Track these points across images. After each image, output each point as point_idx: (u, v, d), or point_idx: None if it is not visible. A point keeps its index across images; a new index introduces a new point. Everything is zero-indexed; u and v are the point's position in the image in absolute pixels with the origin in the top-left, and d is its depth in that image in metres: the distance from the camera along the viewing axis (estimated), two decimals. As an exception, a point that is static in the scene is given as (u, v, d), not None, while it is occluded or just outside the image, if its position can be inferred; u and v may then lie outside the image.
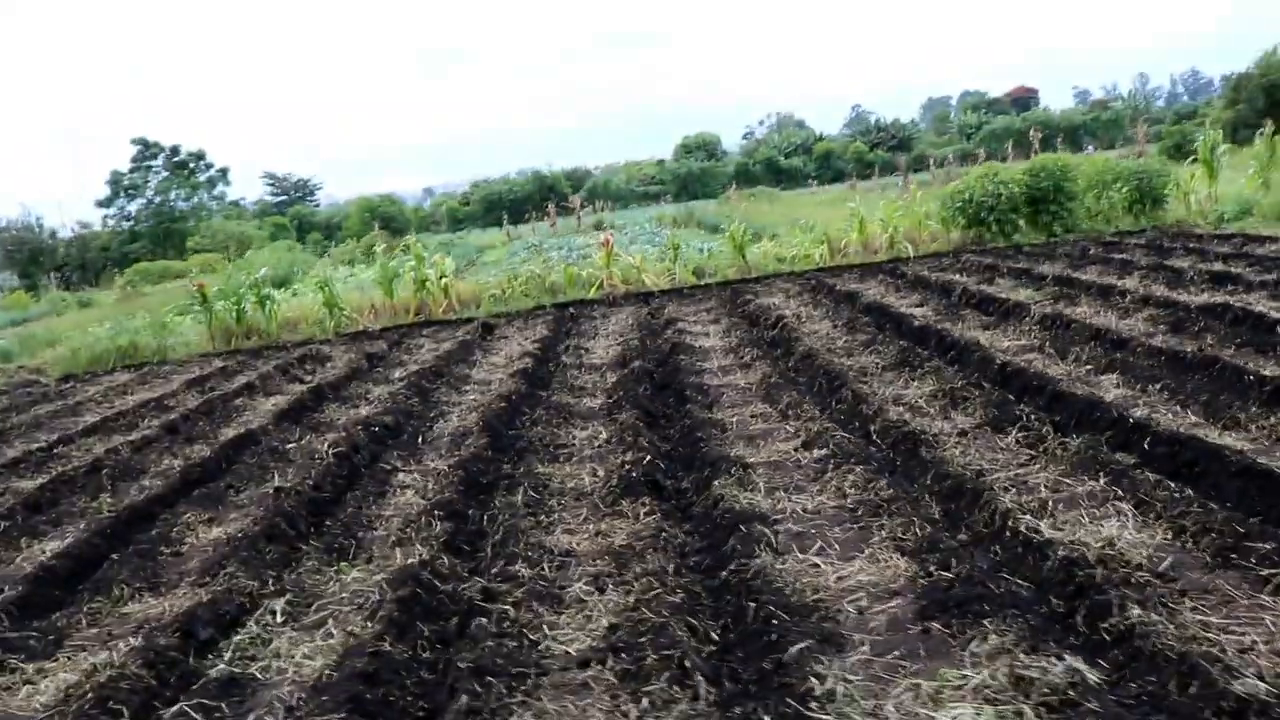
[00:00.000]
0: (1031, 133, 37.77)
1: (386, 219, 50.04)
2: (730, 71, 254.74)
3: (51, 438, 10.68)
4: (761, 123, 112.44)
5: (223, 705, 3.96)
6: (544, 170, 66.23)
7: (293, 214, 60.27)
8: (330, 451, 7.94)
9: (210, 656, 4.45)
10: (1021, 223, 17.26)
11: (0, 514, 7.44)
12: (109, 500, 7.56)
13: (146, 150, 55.66)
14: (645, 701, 3.47)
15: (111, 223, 54.35)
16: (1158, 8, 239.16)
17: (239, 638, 4.59)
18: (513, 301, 16.42)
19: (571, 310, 15.36)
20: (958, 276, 13.83)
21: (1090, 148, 37.64)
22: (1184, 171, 18.59)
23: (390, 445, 8.10)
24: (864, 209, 17.93)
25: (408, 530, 5.73)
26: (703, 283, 16.40)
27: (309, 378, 12.68)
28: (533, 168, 71.61)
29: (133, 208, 54.81)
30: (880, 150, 66.54)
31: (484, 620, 4.34)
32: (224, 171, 57.63)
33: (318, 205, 77.82)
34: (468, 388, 10.36)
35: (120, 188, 54.34)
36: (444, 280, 16.31)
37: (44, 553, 6.46)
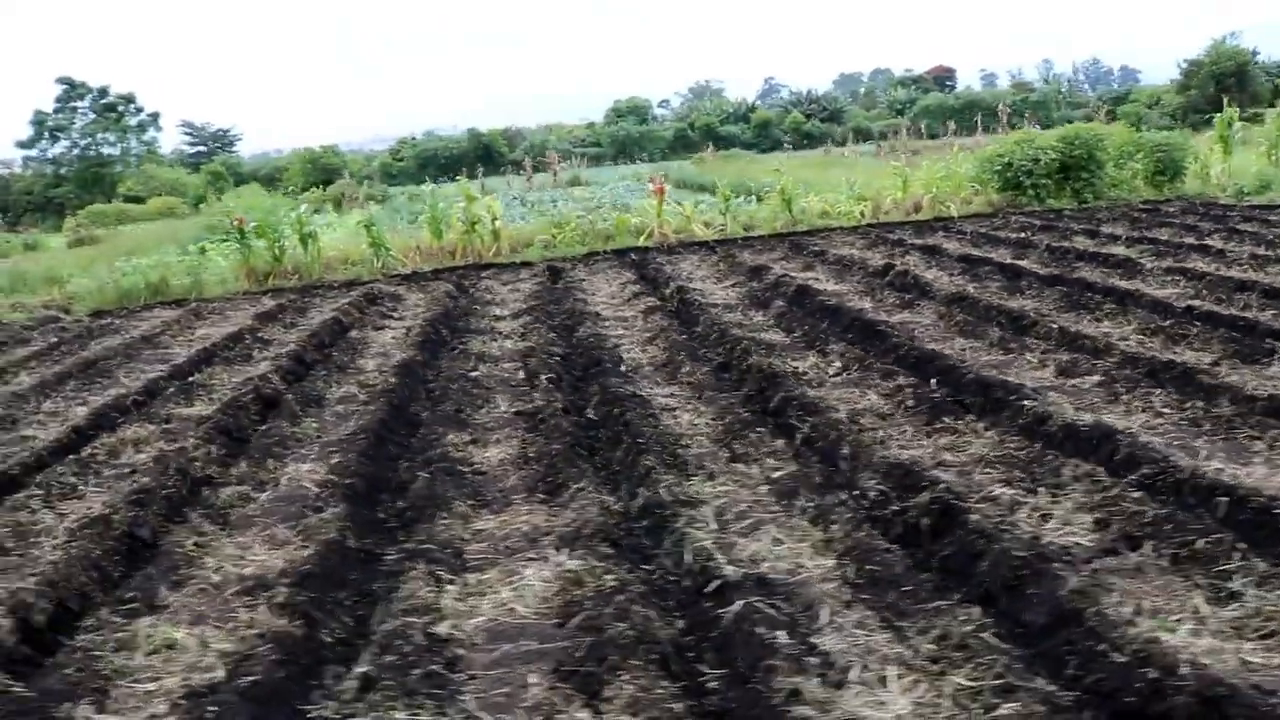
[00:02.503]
0: (1000, 108, 38.60)
1: (330, 170, 48.75)
2: (646, 42, 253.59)
3: (160, 369, 10.20)
4: (678, 93, 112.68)
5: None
6: (481, 129, 65.18)
7: (220, 163, 58.17)
8: (545, 377, 7.79)
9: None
10: (1052, 188, 17.66)
11: (230, 436, 7.12)
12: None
13: (73, 90, 53.00)
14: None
15: (34, 165, 51.72)
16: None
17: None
18: (563, 247, 16.21)
19: (633, 256, 15.22)
20: (1026, 235, 14.13)
21: (1035, 125, 38.46)
22: (1202, 146, 19.21)
23: (597, 372, 7.94)
24: (836, 173, 18.16)
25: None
26: (756, 234, 16.40)
27: (396, 314, 12.40)
28: (442, 129, 70.89)
29: (56, 150, 52.28)
30: (816, 121, 67.13)
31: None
32: (155, 116, 55.35)
33: (237, 156, 75.33)
34: (608, 324, 10.20)
35: (44, 128, 51.73)
36: (496, 223, 16.00)
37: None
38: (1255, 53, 39.35)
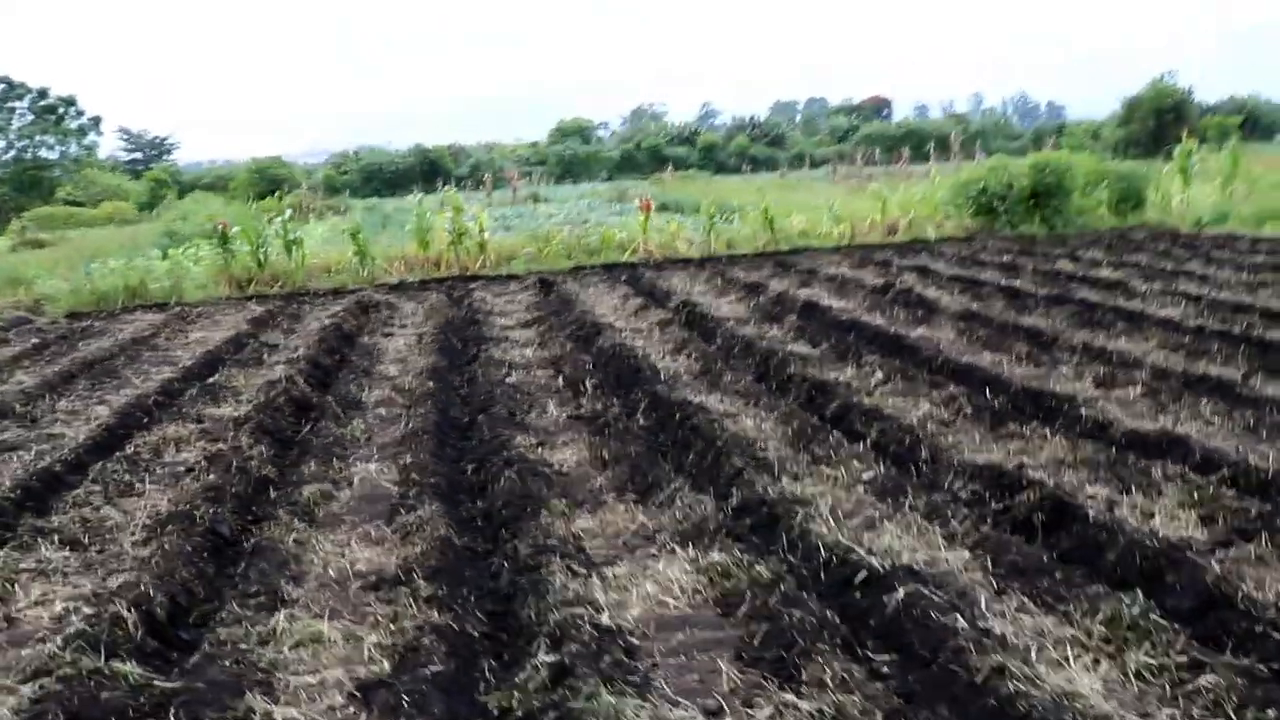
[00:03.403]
0: (952, 137, 39.48)
1: (276, 180, 47.99)
2: (584, 64, 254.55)
3: (168, 371, 10.04)
4: (620, 116, 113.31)
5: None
6: (427, 145, 64.72)
7: (162, 170, 56.98)
8: (590, 384, 7.83)
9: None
10: (1023, 214, 18.11)
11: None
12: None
13: (11, 90, 51.59)
14: None
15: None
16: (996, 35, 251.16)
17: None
18: (549, 261, 16.24)
19: (623, 271, 15.29)
20: (1008, 258, 14.48)
21: (982, 154, 39.45)
22: (1162, 177, 19.85)
23: (639, 380, 7.98)
24: (800, 196, 18.47)
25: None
26: (739, 253, 16.58)
27: (397, 322, 12.34)
28: (370, 145, 70.28)
29: (-10, 150, 50.80)
30: (760, 145, 67.84)
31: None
32: (96, 120, 53.97)
33: (175, 164, 73.85)
34: (625, 335, 10.25)
35: None
36: (484, 235, 15.97)
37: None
38: (1190, 91, 40.79)
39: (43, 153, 51.77)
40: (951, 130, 64.21)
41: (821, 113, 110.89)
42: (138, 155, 74.36)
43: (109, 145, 69.72)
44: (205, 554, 5.04)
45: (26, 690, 3.69)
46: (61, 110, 52.39)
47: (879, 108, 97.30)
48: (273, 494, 6.00)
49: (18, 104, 51.58)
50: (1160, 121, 36.71)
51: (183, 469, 6.64)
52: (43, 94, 52.14)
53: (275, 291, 15.51)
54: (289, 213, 16.71)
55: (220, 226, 16.00)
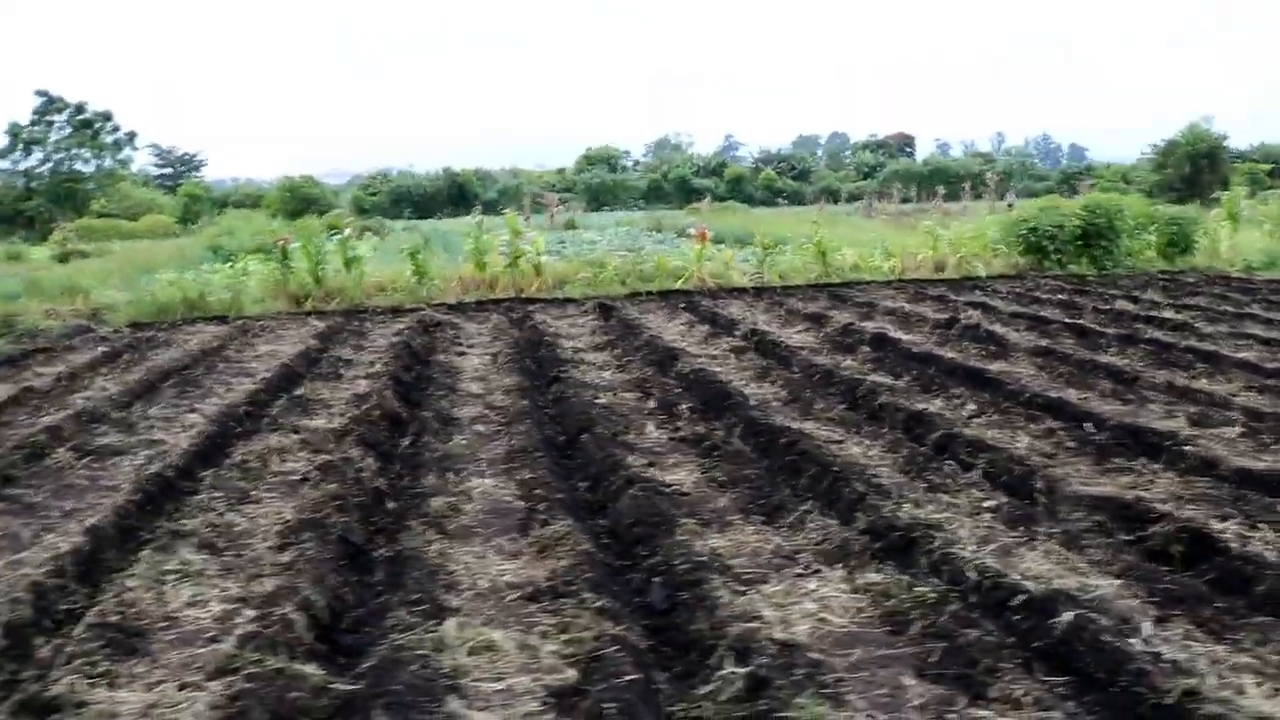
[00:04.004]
0: (988, 176, 39.70)
1: (309, 200, 48.51)
2: (606, 94, 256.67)
3: (247, 382, 10.18)
4: (645, 144, 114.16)
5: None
6: (455, 169, 65.34)
7: (197, 186, 57.64)
8: (685, 408, 7.93)
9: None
10: (1073, 254, 18.22)
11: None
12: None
13: (50, 104, 52.29)
14: None
15: (4, 177, 50.79)
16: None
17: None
18: (603, 286, 16.39)
19: (680, 298, 15.42)
20: (1065, 297, 14.58)
21: (1012, 195, 39.68)
22: (1211, 222, 19.94)
23: (730, 405, 8.08)
24: (841, 230, 18.62)
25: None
26: (792, 284, 16.70)
27: (465, 341, 12.47)
28: (395, 167, 71.26)
29: (29, 163, 51.44)
30: (787, 179, 68.31)
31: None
32: (131, 135, 54.72)
33: (203, 181, 74.67)
34: (701, 361, 10.35)
35: (19, 140, 50.87)
36: (541, 258, 16.14)
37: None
38: (1224, 137, 40.88)
39: (78, 166, 52.35)
40: (976, 169, 64.72)
41: (844, 147, 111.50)
42: (168, 170, 75.26)
43: (140, 160, 70.35)
44: (342, 562, 5.15)
45: (216, 686, 3.80)
46: (98, 125, 53.04)
47: (903, 144, 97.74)
48: (390, 505, 6.11)
49: (56, 118, 52.25)
50: (1195, 167, 36.80)
51: (295, 478, 6.74)
52: (80, 109, 52.85)
53: (333, 308, 15.68)
54: (348, 230, 16.87)
55: (281, 242, 16.19)
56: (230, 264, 21.72)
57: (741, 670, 3.50)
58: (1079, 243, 18.11)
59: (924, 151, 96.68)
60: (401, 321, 14.29)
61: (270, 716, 3.53)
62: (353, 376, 10.25)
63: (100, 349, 13.08)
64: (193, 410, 9.01)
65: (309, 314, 15.40)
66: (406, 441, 7.52)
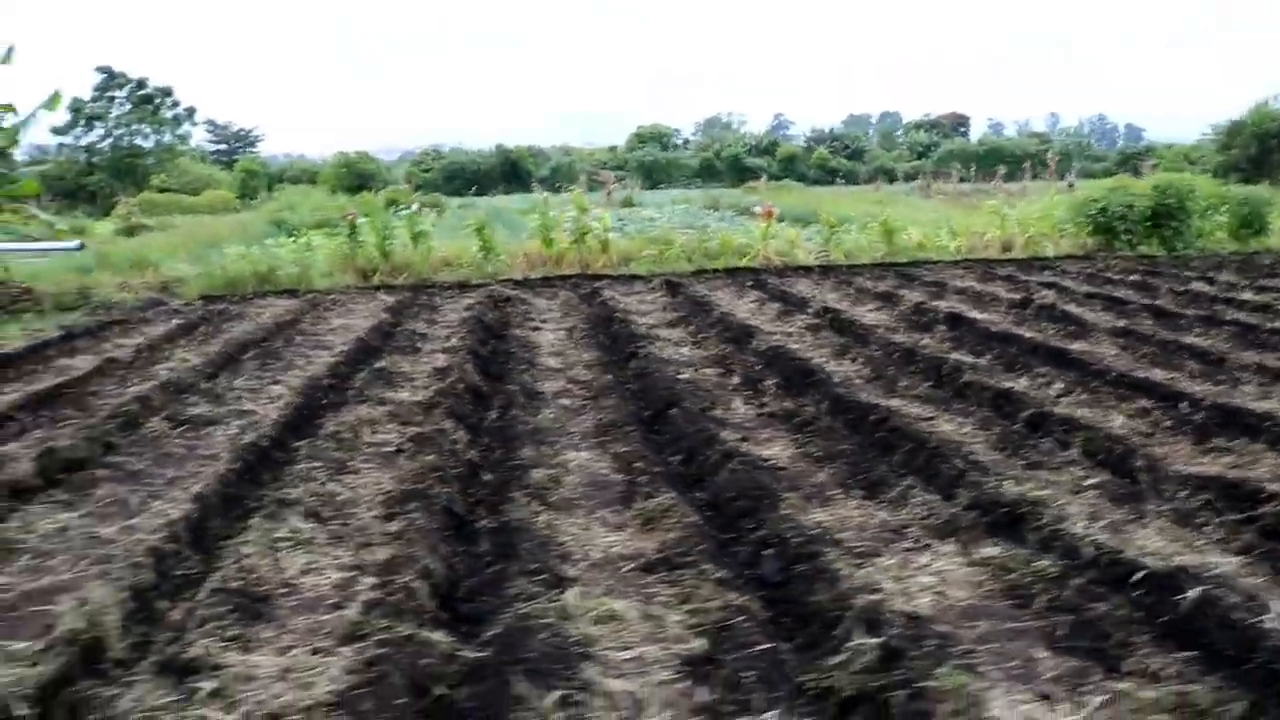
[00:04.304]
0: (1048, 156, 39.15)
1: (363, 176, 48.91)
2: (661, 73, 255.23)
3: (325, 355, 10.33)
4: (695, 122, 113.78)
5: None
6: (509, 145, 65.52)
7: (249, 163, 58.26)
8: (771, 384, 7.93)
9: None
10: (1143, 235, 17.95)
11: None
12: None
13: (111, 79, 53.08)
14: None
15: (67, 151, 51.65)
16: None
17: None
18: (668, 263, 16.39)
19: (747, 276, 15.38)
20: (1138, 278, 14.38)
21: (1071, 176, 39.06)
22: (1283, 202, 19.56)
23: (812, 382, 8.08)
24: (900, 210, 18.45)
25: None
26: (858, 263, 16.61)
27: (537, 316, 12.53)
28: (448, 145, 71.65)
29: (90, 138, 52.23)
30: (840, 158, 67.81)
31: None
32: (190, 111, 55.37)
33: (259, 157, 75.46)
34: (777, 338, 10.34)
35: (81, 116, 51.67)
36: (608, 234, 16.18)
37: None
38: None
39: (139, 141, 53.07)
40: (1033, 149, 63.79)
41: (896, 127, 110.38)
42: (222, 146, 76.05)
43: (196, 136, 71.28)
44: (448, 532, 5.21)
45: (347, 652, 3.87)
46: (158, 100, 53.72)
47: (956, 124, 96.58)
48: (486, 477, 6.16)
49: (118, 93, 52.97)
50: (1264, 147, 36.03)
51: (389, 450, 6.83)
52: (141, 84, 53.50)
53: (400, 282, 15.82)
54: (415, 206, 16.99)
55: (349, 217, 16.34)
56: (293, 239, 22.04)
57: (873, 641, 3.52)
58: (1148, 224, 17.84)
59: (977, 132, 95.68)
60: (470, 296, 14.40)
61: (406, 681, 3.59)
62: (430, 350, 10.34)
63: (175, 321, 13.32)
64: (276, 382, 9.15)
65: (377, 288, 15.55)
66: (494, 415, 7.57)
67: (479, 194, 53.45)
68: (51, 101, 15.21)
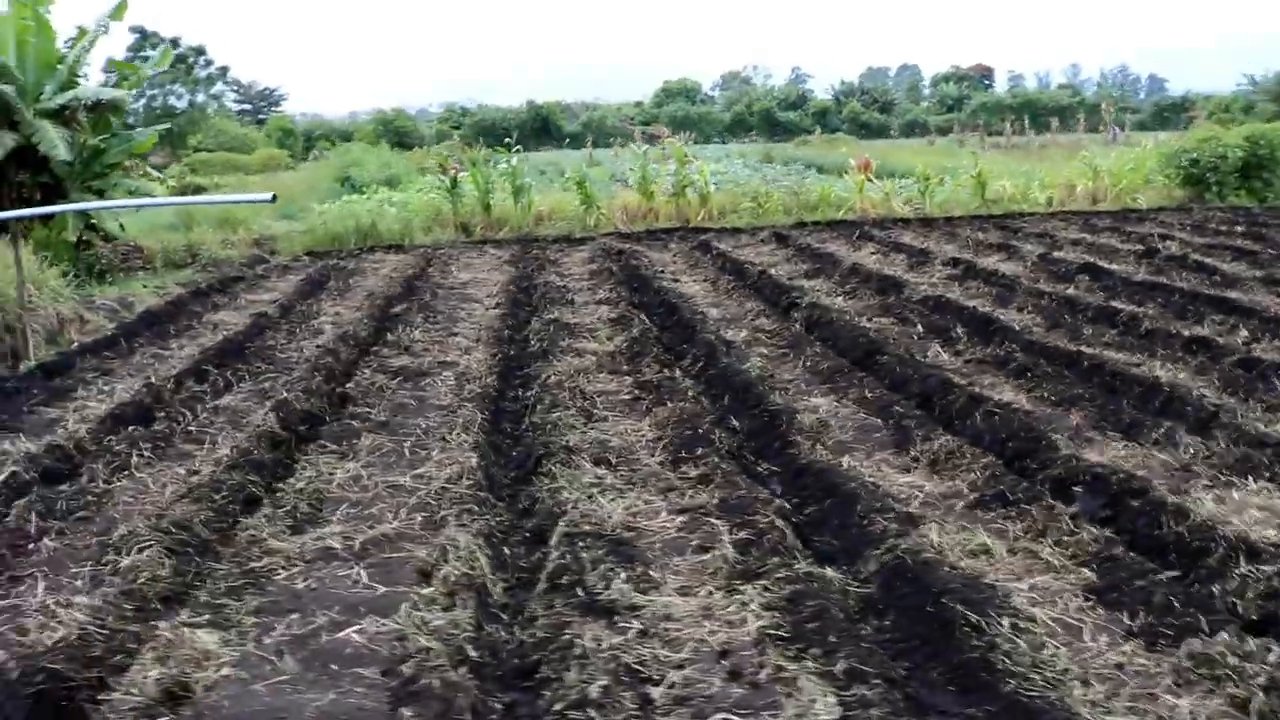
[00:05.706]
0: (1104, 107, 39.07)
1: (400, 133, 48.92)
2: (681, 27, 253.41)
3: (479, 308, 10.55)
4: (721, 76, 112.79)
5: None
6: (539, 101, 65.26)
7: (280, 120, 58.15)
8: (960, 331, 8.12)
9: None
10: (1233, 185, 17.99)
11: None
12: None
13: (144, 39, 52.97)
14: None
15: (103, 110, 51.51)
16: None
17: None
18: (766, 215, 16.51)
19: (853, 229, 15.45)
20: (1246, 228, 14.46)
21: (1115, 128, 38.98)
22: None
23: (998, 329, 8.25)
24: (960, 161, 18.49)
25: None
26: (954, 215, 16.72)
27: (670, 269, 12.67)
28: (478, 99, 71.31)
29: (125, 98, 52.06)
30: (873, 112, 67.46)
31: None
32: (224, 70, 55.33)
33: (287, 115, 75.02)
34: (924, 289, 10.45)
35: (119, 76, 51.29)
36: (708, 188, 16.31)
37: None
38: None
39: (172, 101, 52.99)
40: (1065, 100, 63.35)
41: (916, 79, 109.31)
42: (247, 106, 75.70)
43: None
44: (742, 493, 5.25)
45: (752, 591, 4.00)
46: (192, 60, 53.56)
47: (982, 76, 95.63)
48: (737, 422, 6.28)
49: (152, 53, 52.71)
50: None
51: (625, 397, 6.96)
52: (175, 43, 53.27)
53: (503, 236, 15.97)
54: (515, 159, 17.06)
55: (453, 171, 16.47)
56: (364, 195, 22.17)
57: (1267, 569, 3.73)
58: (1239, 174, 17.88)
59: (1001, 84, 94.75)
60: (582, 250, 14.55)
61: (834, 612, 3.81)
62: (584, 302, 10.47)
63: (291, 277, 13.45)
64: (451, 334, 9.32)
65: (481, 243, 15.70)
66: (701, 363, 7.65)
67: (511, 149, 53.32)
68: (116, 11, 14.93)
